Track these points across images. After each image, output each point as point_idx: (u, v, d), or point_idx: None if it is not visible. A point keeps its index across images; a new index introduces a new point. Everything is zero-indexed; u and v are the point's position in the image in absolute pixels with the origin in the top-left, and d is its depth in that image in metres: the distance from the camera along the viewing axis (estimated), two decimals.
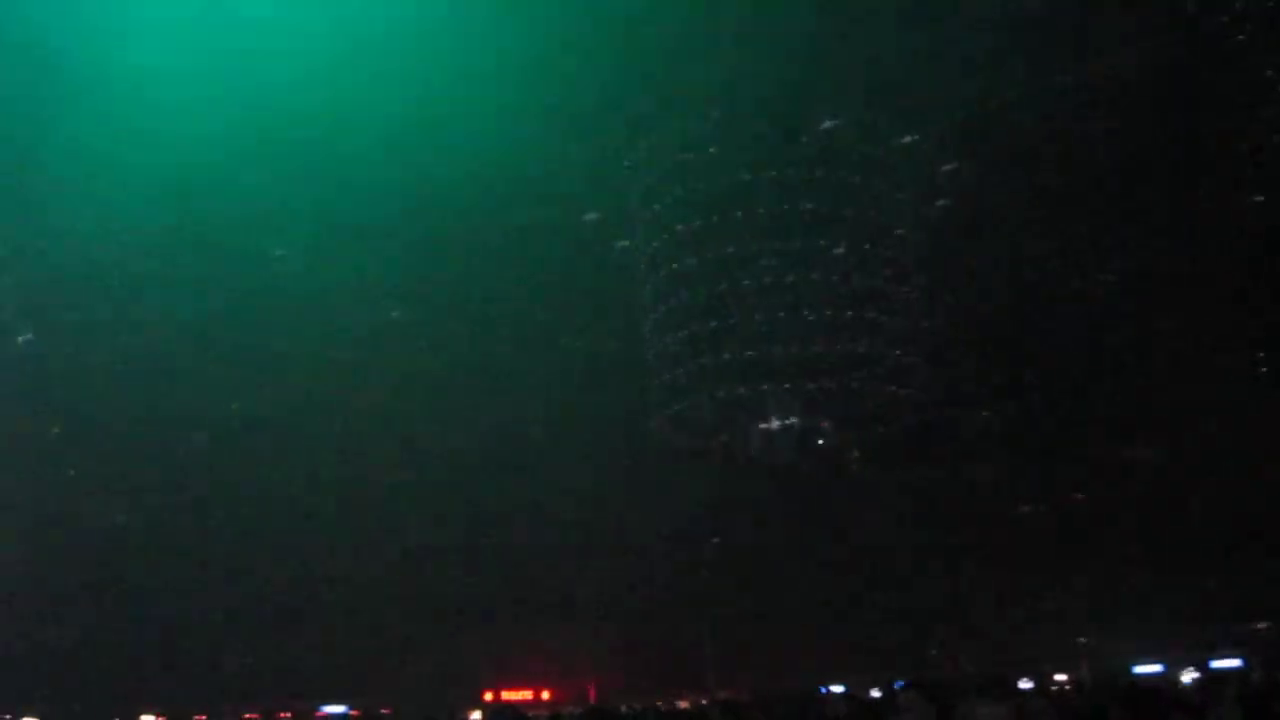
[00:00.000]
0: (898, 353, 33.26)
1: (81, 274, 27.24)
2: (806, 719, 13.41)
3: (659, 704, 28.04)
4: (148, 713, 30.39)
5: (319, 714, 31.94)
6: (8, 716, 29.22)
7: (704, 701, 29.42)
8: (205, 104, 26.00)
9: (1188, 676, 27.45)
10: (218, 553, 30.59)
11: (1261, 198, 30.40)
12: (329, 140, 28.43)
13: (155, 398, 29.41)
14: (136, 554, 30.18)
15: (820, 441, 33.77)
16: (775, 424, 33.50)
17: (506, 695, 33.33)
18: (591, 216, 33.02)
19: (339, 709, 31.91)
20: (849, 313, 33.20)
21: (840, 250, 33.21)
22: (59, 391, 28.90)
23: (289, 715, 30.46)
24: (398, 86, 28.15)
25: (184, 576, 30.14)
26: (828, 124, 32.53)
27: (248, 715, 30.14)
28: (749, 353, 33.22)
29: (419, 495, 32.62)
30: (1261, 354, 31.75)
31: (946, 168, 32.93)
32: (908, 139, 32.16)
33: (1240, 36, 29.44)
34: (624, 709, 22.17)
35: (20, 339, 28.49)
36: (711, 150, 33.36)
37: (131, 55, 24.11)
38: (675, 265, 33.65)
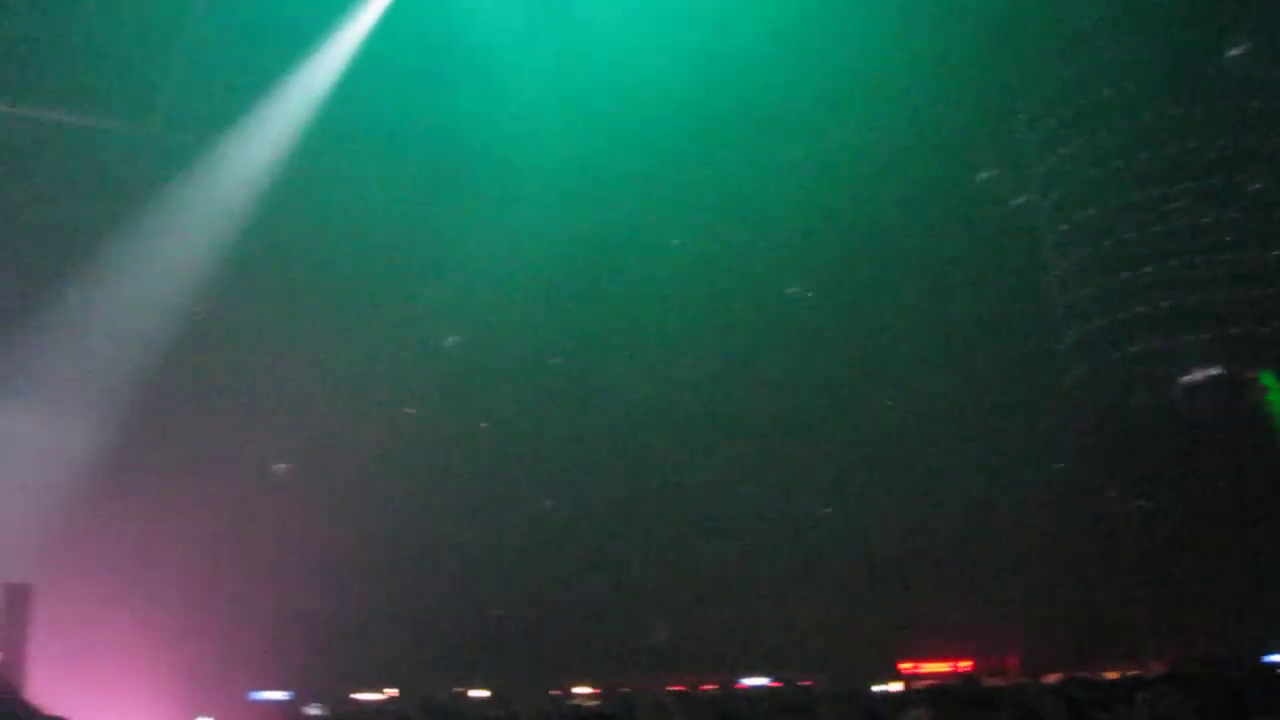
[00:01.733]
0: None
1: (499, 277, 28.29)
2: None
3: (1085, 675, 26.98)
4: (579, 684, 31.36)
5: (740, 685, 32.23)
6: (457, 689, 30.66)
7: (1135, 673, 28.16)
8: (597, 99, 26.45)
9: None
10: (638, 531, 31.38)
11: None
12: (708, 122, 28.46)
13: (568, 388, 30.49)
14: (562, 535, 31.32)
15: (1248, 393, 31.74)
16: (1198, 376, 31.80)
17: (926, 667, 32.81)
18: (984, 175, 32.02)
19: (760, 680, 32.09)
20: (1274, 252, 31.16)
21: (1258, 185, 31.21)
22: (482, 389, 30.37)
23: (713, 686, 30.78)
24: (778, 61, 27.85)
25: (608, 555, 31.09)
26: (1236, 51, 30.57)
27: (673, 686, 30.63)
28: (1164, 302, 31.70)
29: (816, 470, 32.51)
30: None
31: None
32: None
33: None
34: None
35: (449, 340, 30.01)
36: (1107, 91, 32.01)
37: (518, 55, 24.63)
38: (1079, 216, 32.46)
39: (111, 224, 25.25)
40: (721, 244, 30.82)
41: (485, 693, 30.96)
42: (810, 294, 32.10)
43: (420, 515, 31.13)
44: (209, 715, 22.23)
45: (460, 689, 30.57)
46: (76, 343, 25.71)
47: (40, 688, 22.33)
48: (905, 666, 33.08)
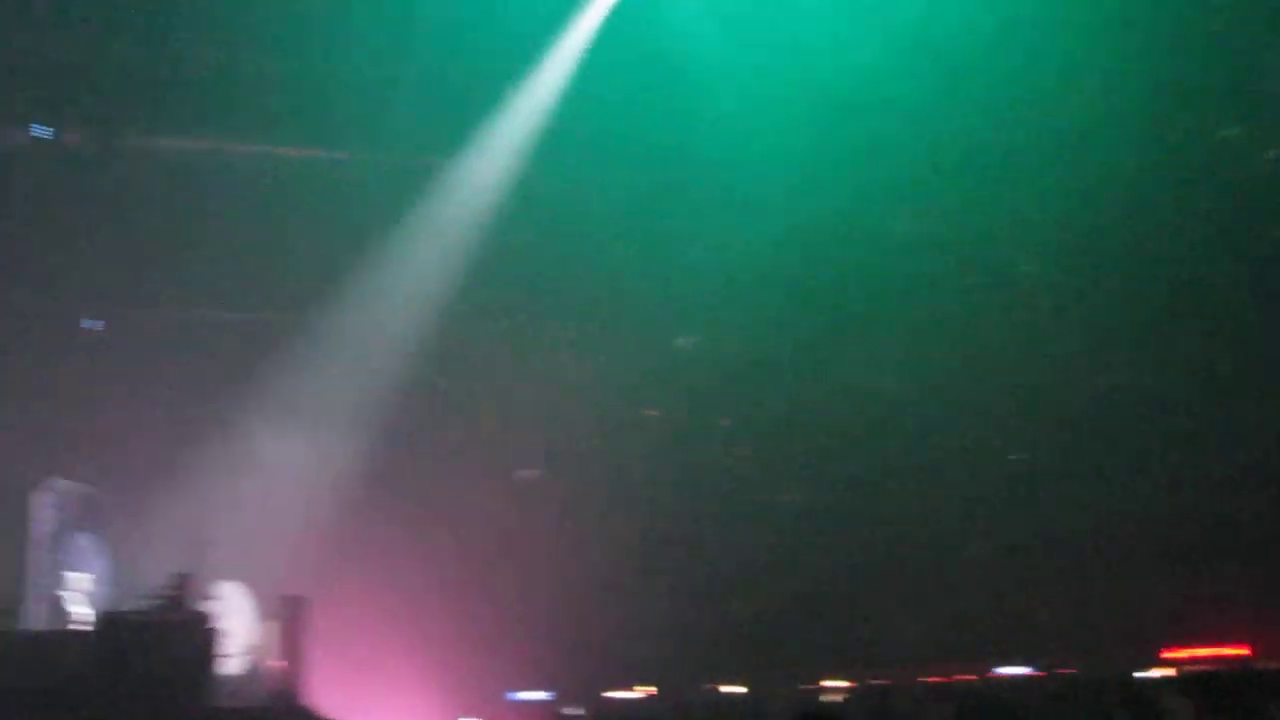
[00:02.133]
0: None
1: (729, 276, 28.36)
2: None
3: None
4: (830, 679, 31.24)
5: (996, 675, 31.48)
6: (708, 685, 30.92)
7: None
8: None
9: None
10: (883, 524, 31.06)
11: None
12: (929, 108, 27.64)
13: (804, 383, 30.41)
14: (808, 529, 31.29)
15: None
16: None
17: (1192, 653, 31.31)
18: (1231, 131, 30.26)
19: (1019, 670, 31.26)
20: None
21: None
22: (719, 388, 30.60)
23: (971, 678, 30.18)
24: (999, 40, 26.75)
25: (855, 548, 30.88)
26: None
27: (929, 678, 30.21)
28: None
29: (1065, 454, 31.44)
30: None
31: None
32: None
33: None
34: None
35: (682, 340, 30.33)
36: None
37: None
38: None
39: (355, 254, 26.57)
40: (952, 230, 30.15)
41: (740, 689, 31.15)
42: (1044, 273, 31.06)
43: (666, 515, 31.58)
44: (472, 717, 23.11)
45: (713, 685, 30.85)
46: (332, 365, 27.16)
47: (317, 694, 23.73)
48: (1171, 653, 31.67)
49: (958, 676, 31.35)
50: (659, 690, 30.82)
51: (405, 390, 27.70)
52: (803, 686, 29.94)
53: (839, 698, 27.76)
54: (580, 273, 27.37)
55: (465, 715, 23.22)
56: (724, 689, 31.13)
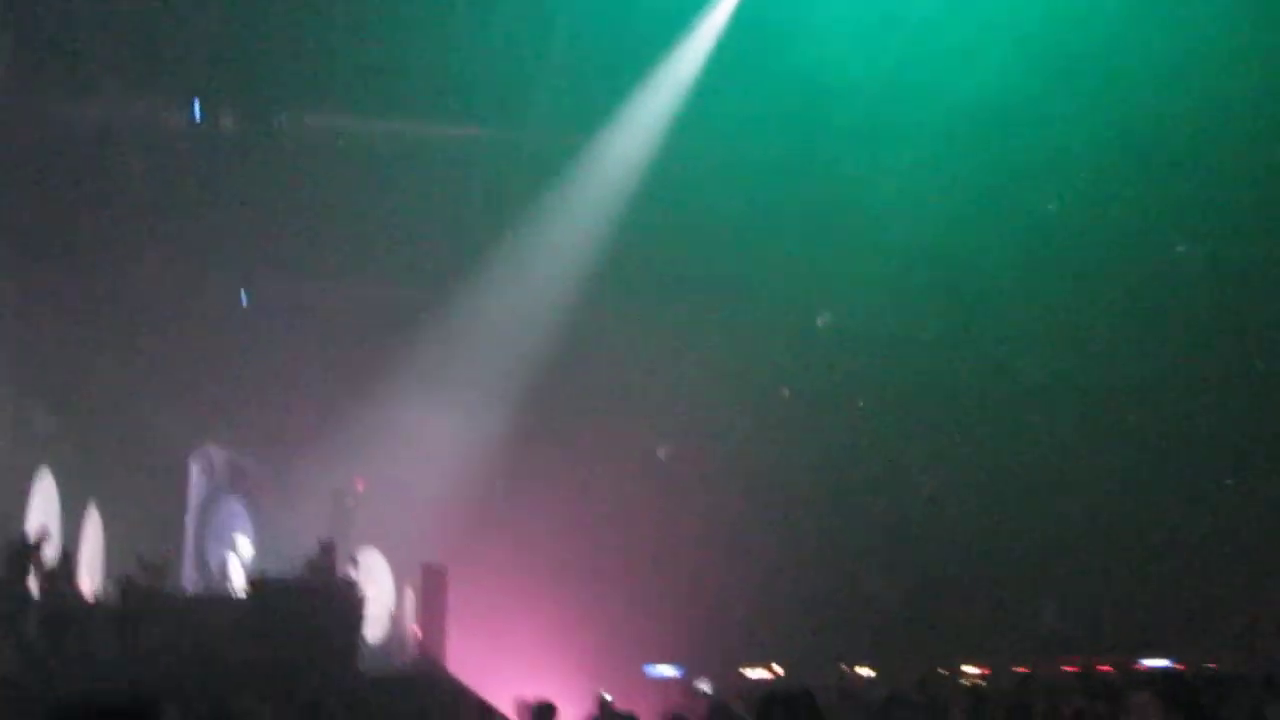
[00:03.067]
0: None
1: (866, 253, 28.06)
2: None
3: None
4: (968, 663, 30.86)
5: (1138, 666, 30.74)
6: (842, 665, 30.83)
7: None
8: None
9: None
10: (1020, 510, 30.55)
11: None
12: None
13: (942, 363, 30.03)
14: (944, 515, 31.00)
15: None
16: None
17: None
18: None
19: (1161, 662, 30.50)
20: None
21: None
22: (857, 367, 30.45)
23: (1107, 668, 29.48)
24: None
25: (997, 534, 30.46)
26: None
27: (1066, 667, 29.61)
28: None
29: (1212, 441, 30.41)
30: None
31: None
32: None
33: None
34: None
35: (821, 319, 30.20)
36: None
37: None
38: None
39: (494, 231, 26.96)
40: (1101, 205, 29.27)
41: (870, 672, 30.97)
42: (1196, 253, 29.98)
43: (800, 495, 31.53)
44: (607, 689, 23.37)
45: (846, 666, 30.73)
46: (477, 340, 27.63)
47: (455, 663, 24.27)
48: None
49: (1099, 666, 30.60)
50: (788, 670, 30.81)
51: (547, 367, 28.03)
52: (940, 669, 29.56)
53: (973, 683, 27.34)
54: (716, 251, 27.34)
55: (601, 688, 23.46)
56: (858, 670, 30.99)
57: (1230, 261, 28.86)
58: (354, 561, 23.49)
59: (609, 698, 21.94)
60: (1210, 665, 29.81)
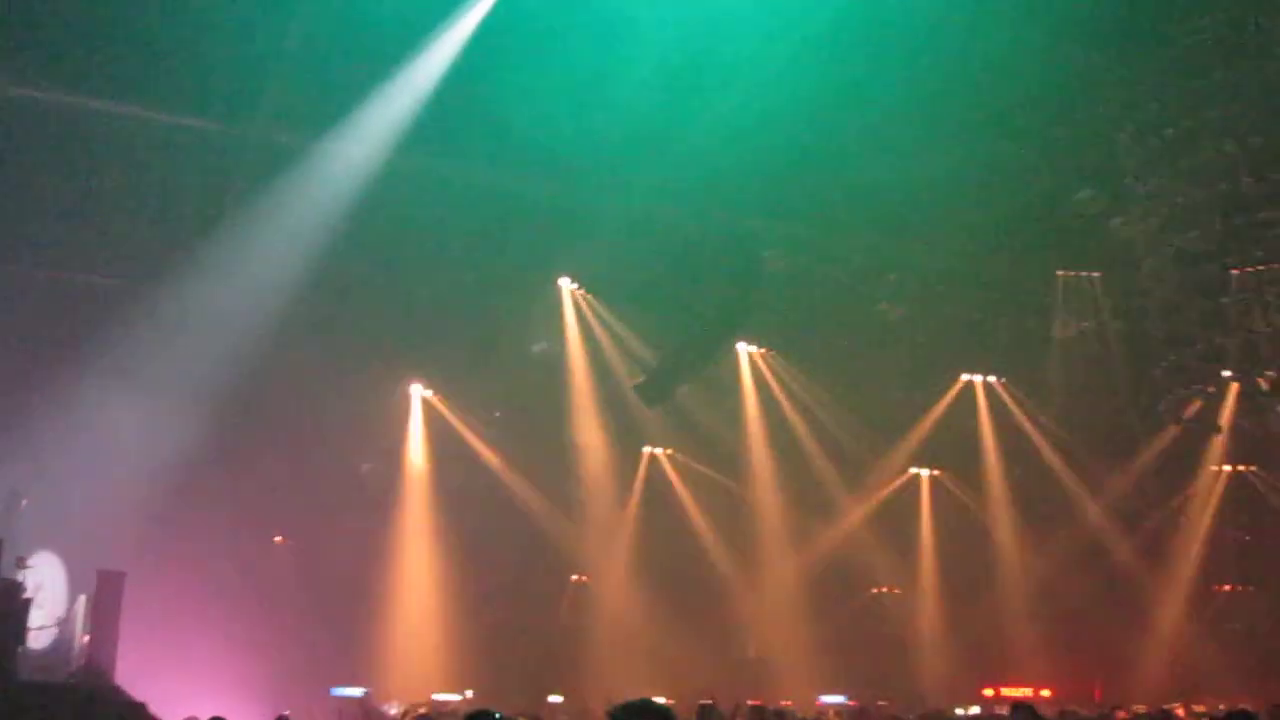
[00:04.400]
0: None
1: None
2: None
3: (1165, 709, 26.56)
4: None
5: (820, 703, 32.01)
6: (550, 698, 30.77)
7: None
8: None
9: None
10: None
11: None
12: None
13: None
14: None
15: None
16: None
17: (1006, 692, 32.38)
18: (1084, 194, 31.56)
19: (838, 699, 31.85)
20: None
21: None
22: None
23: (789, 704, 30.58)
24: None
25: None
26: None
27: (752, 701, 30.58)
28: (1266, 328, 30.99)
29: None
30: None
31: None
32: None
33: None
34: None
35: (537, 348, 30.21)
36: (1213, 113, 31.36)
37: None
38: (1177, 241, 31.83)
39: (214, 222, 25.83)
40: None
41: (559, 698, 31.18)
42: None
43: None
44: (287, 709, 22.55)
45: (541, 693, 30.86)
46: (176, 338, 26.26)
47: (126, 676, 22.87)
48: (987, 692, 32.75)
49: (782, 703, 31.50)
50: (477, 693, 30.56)
51: (250, 371, 26.87)
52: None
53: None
54: (446, 261, 27.20)
55: (283, 707, 22.62)
56: (550, 698, 31.06)
57: None
58: (21, 563, 21.84)
59: (287, 713, 21.29)
60: (881, 703, 31.37)
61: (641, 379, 29.80)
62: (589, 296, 30.62)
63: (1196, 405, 31.55)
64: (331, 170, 24.88)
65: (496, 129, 24.68)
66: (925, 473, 34.50)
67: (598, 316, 30.49)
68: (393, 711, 27.69)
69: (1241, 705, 20.24)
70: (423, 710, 25.37)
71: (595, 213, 27.03)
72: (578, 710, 29.27)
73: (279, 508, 29.41)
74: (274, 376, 27.51)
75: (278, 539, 30.93)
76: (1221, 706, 24.85)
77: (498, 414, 31.87)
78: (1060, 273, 32.18)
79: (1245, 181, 30.98)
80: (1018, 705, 14.63)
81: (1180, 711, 27.54)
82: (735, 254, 29.51)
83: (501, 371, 30.37)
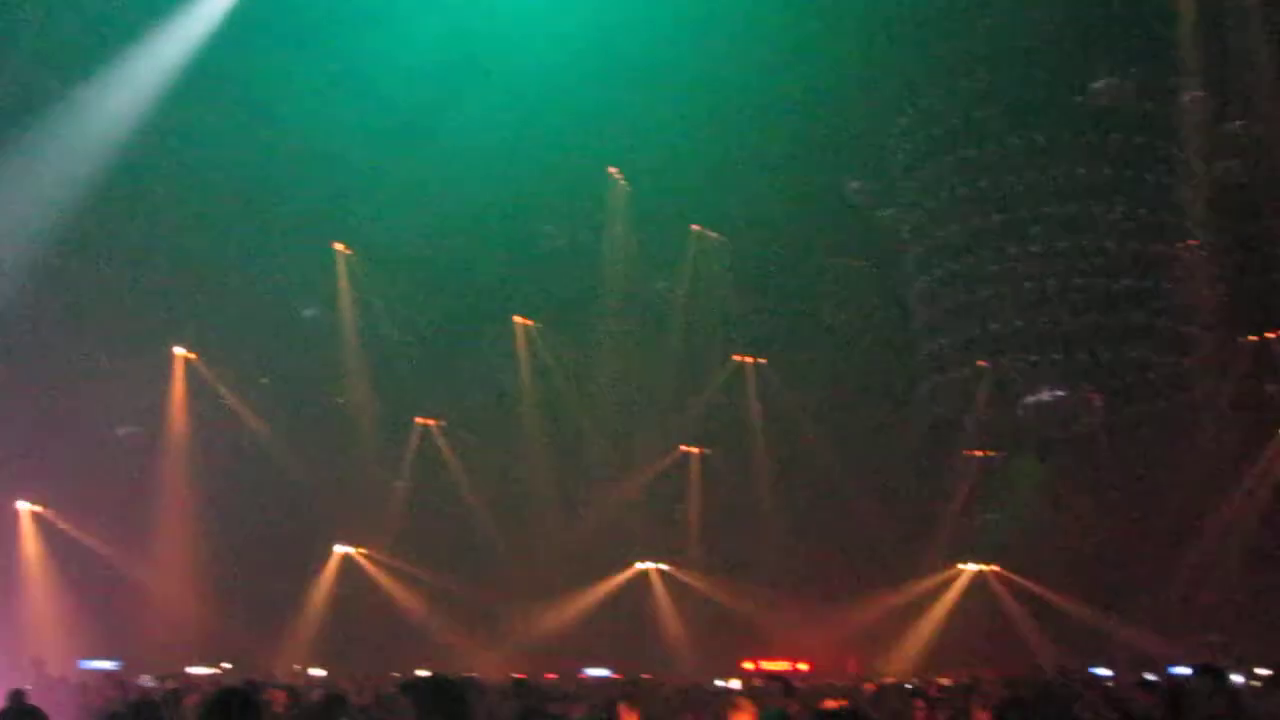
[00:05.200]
0: (1176, 323, 32.25)
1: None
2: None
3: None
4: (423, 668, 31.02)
5: (582, 676, 32.19)
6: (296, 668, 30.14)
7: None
8: None
9: None
10: None
11: None
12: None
13: None
14: None
15: (1090, 415, 32.86)
16: (1045, 396, 32.80)
17: (766, 665, 33.20)
18: (855, 185, 32.67)
19: (602, 671, 32.08)
20: (1124, 281, 32.32)
21: (1115, 215, 32.40)
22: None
23: (554, 676, 30.58)
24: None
25: None
26: (1099, 84, 31.68)
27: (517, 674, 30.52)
28: (1017, 322, 32.61)
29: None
30: None
31: (1231, 126, 31.47)
32: (1188, 97, 31.09)
33: None
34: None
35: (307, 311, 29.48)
36: (977, 114, 32.83)
37: None
38: (940, 234, 33.24)
39: None
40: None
41: (322, 671, 30.53)
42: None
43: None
44: (28, 683, 21.45)
45: (299, 668, 30.14)
46: None
47: None
48: (747, 666, 33.50)
49: (546, 675, 31.50)
50: (237, 667, 29.73)
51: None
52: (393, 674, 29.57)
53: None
54: (209, 218, 26.33)
55: (24, 682, 21.50)
56: (310, 671, 30.42)
57: None
58: None
59: (26, 688, 20.24)
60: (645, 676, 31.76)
61: (415, 349, 29.47)
62: (364, 263, 30.08)
63: (953, 391, 32.99)
64: (90, 121, 23.74)
65: (272, 89, 24.08)
66: (695, 450, 35.00)
67: (373, 284, 29.97)
68: (149, 684, 26.67)
69: (978, 675, 21.34)
70: (171, 685, 24.51)
71: (374, 180, 26.62)
72: (352, 686, 28.73)
73: (27, 472, 27.92)
74: (21, 333, 26.12)
75: (22, 505, 29.33)
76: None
77: (265, 380, 30.99)
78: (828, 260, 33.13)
79: (1007, 180, 32.61)
80: (773, 677, 14.99)
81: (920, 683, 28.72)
82: (510, 230, 29.50)
83: (271, 336, 29.54)
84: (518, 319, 32.55)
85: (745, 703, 7.95)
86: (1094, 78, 31.65)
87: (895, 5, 29.11)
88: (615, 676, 32.31)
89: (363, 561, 33.48)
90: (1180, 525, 31.75)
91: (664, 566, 35.35)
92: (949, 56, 32.33)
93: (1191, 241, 32.13)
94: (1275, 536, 31.37)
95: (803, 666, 33.46)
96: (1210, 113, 31.35)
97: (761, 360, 34.31)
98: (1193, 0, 29.87)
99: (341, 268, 29.88)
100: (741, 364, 34.36)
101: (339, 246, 29.80)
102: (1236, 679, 16.95)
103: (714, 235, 32.96)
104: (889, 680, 26.21)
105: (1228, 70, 30.70)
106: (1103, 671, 28.00)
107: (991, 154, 32.70)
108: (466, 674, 22.60)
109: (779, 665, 33.28)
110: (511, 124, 27.98)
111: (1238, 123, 31.09)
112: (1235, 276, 32.35)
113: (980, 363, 33.28)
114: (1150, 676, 18.44)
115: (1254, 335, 32.26)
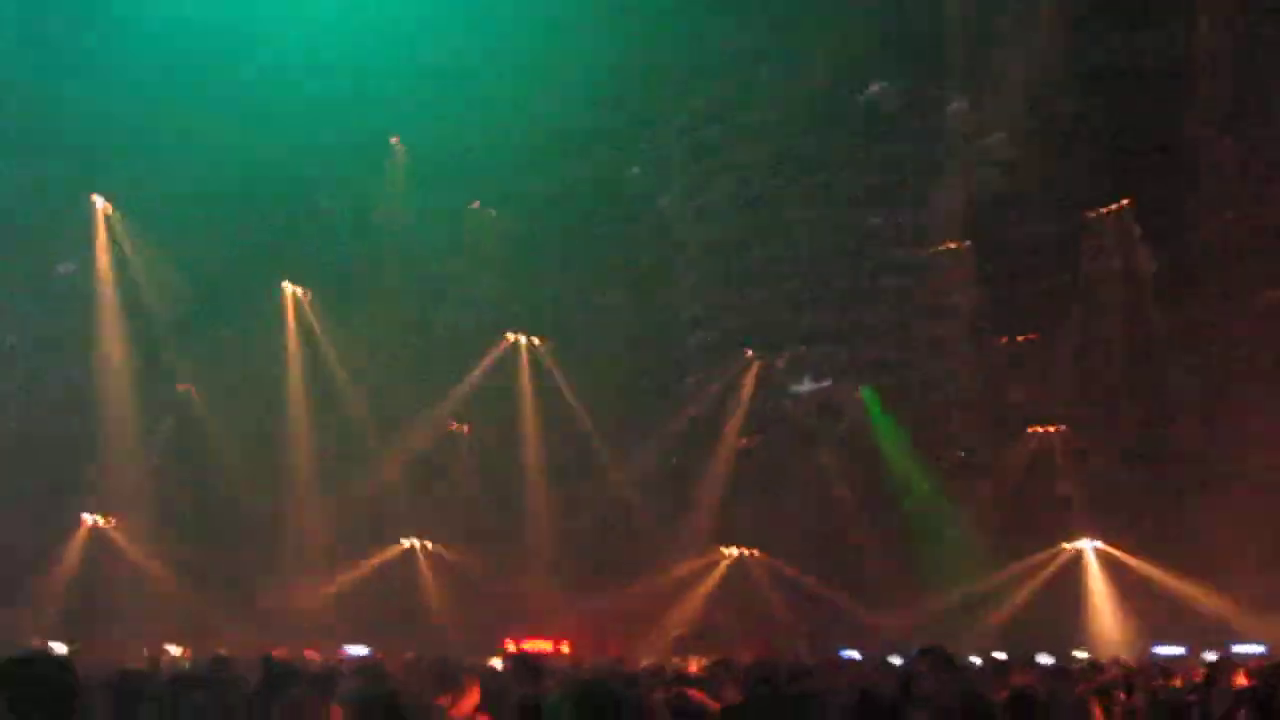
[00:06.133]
0: (934, 324, 33.64)
1: None
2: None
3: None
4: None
5: (341, 653, 31.54)
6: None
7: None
8: None
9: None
10: None
11: None
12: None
13: None
14: None
15: (849, 409, 34.02)
16: (807, 387, 33.79)
17: (527, 645, 33.24)
18: (634, 171, 33.00)
19: (361, 650, 31.61)
20: (889, 280, 33.56)
21: (878, 220, 33.60)
22: None
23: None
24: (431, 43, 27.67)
25: None
26: (874, 89, 32.79)
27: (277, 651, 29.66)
28: (784, 316, 33.51)
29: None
30: None
31: (992, 138, 33.02)
32: (955, 106, 32.46)
33: None
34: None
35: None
36: (757, 113, 33.53)
37: None
38: (712, 227, 33.85)
39: None
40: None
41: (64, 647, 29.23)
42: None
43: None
44: None
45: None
46: None
47: None
48: (510, 646, 33.50)
49: (306, 651, 30.75)
50: None
51: None
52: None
53: None
54: None
55: None
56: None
57: None
58: None
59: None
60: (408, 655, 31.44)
61: (175, 310, 28.40)
62: (126, 219, 28.72)
63: (718, 382, 33.68)
64: None
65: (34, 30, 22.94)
66: (465, 427, 34.79)
67: (134, 241, 28.66)
68: None
69: (730, 656, 21.84)
70: None
71: (140, 132, 25.58)
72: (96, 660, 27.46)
73: None
74: None
75: None
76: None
77: (11, 342, 29.42)
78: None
79: (773, 183, 33.49)
80: (517, 657, 14.98)
81: (683, 662, 29.23)
82: (286, 194, 28.77)
83: (19, 294, 28.06)
84: (288, 286, 31.69)
85: (472, 682, 7.87)
86: (868, 84, 32.77)
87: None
88: (378, 655, 31.93)
89: (111, 531, 32.17)
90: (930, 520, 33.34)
91: (429, 544, 35.03)
92: (734, 53, 32.92)
93: (950, 245, 33.52)
94: (1015, 532, 33.11)
95: (564, 648, 33.65)
96: (973, 125, 32.78)
97: (534, 340, 34.29)
98: (961, 15, 31.22)
99: (100, 223, 28.48)
100: (514, 342, 34.27)
101: (98, 201, 28.38)
102: (975, 660, 17.84)
103: (493, 213, 32.81)
104: (647, 662, 26.61)
105: (991, 84, 32.14)
106: (851, 654, 29.13)
107: (766, 153, 33.51)
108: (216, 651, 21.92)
109: (541, 645, 33.40)
110: (293, 86, 27.34)
111: (997, 135, 32.58)
112: (990, 281, 33.91)
113: (747, 353, 34.10)
114: (895, 659, 19.20)
115: (1005, 338, 33.96)
